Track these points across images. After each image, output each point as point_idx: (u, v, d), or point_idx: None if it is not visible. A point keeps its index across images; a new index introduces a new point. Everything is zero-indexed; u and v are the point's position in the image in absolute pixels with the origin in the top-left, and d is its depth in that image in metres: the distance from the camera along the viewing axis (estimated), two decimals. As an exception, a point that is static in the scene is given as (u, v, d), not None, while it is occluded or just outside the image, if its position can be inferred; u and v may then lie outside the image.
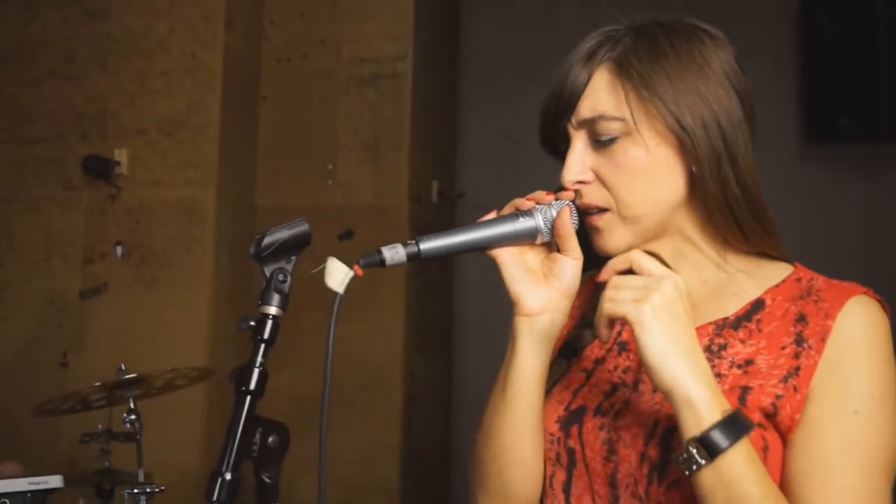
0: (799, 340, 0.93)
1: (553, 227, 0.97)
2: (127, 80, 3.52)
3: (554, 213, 0.97)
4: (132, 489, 2.22)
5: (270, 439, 0.93)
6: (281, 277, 0.92)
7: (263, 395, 0.90)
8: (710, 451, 0.82)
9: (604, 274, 0.94)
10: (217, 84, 3.46)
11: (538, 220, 0.97)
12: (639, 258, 0.90)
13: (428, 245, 0.93)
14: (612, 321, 0.89)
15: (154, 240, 3.45)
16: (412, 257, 0.92)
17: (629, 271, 0.92)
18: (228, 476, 0.86)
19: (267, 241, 0.91)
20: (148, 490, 2.21)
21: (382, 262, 0.91)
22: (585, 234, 0.99)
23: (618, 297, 0.88)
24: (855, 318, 0.92)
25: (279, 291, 0.92)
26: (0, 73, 3.64)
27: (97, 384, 2.32)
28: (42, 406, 2.40)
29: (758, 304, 0.98)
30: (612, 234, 0.98)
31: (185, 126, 3.46)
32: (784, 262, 1.01)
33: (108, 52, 3.57)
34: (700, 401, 0.83)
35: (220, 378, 3.14)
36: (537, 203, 0.98)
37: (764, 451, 0.88)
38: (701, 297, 1.00)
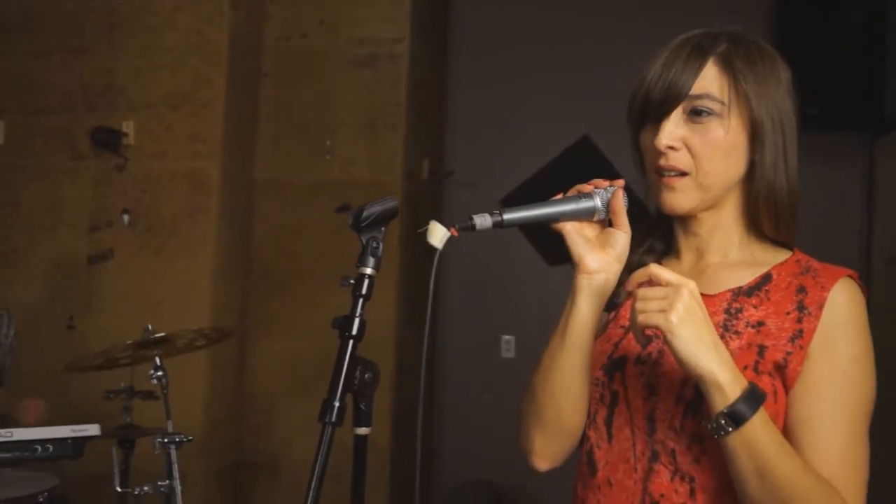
0: (801, 308, 1.14)
1: (608, 206, 1.17)
2: (134, 54, 3.64)
3: (609, 196, 1.18)
4: (163, 438, 2.40)
5: (367, 375, 1.12)
6: (374, 244, 1.11)
7: (363, 338, 1.09)
8: (737, 420, 1.01)
9: (629, 285, 1.10)
10: (223, 61, 3.60)
11: (596, 201, 1.17)
12: (656, 271, 1.06)
13: (510, 216, 1.11)
14: (645, 328, 1.06)
15: (160, 210, 3.59)
16: (497, 225, 1.10)
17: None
18: (337, 404, 1.05)
19: (365, 214, 1.10)
20: (177, 440, 2.39)
21: (473, 227, 1.08)
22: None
23: (647, 309, 1.04)
24: (844, 294, 1.13)
25: (374, 255, 1.11)
26: (8, 45, 3.74)
27: (128, 342, 2.49)
28: (74, 363, 2.56)
29: (766, 277, 1.19)
30: (685, 196, 1.17)
31: (191, 100, 3.60)
32: (787, 248, 1.24)
33: (114, 27, 3.68)
34: (726, 383, 1.01)
35: (222, 344, 3.30)
36: (596, 187, 1.18)
37: (774, 396, 1.09)
38: (721, 268, 1.22)
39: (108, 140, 3.55)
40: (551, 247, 4.45)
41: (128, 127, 3.59)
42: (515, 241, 4.23)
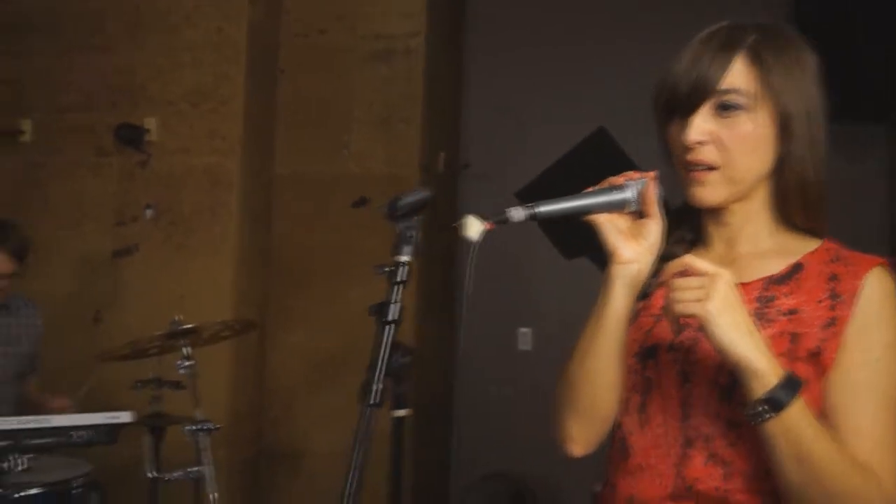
0: (833, 295, 1.15)
1: (640, 196, 1.19)
2: (155, 52, 3.71)
3: (641, 188, 1.19)
4: (193, 426, 2.46)
5: (404, 360, 1.17)
6: (410, 233, 1.16)
7: (401, 324, 1.15)
8: (775, 407, 1.03)
9: (665, 275, 1.11)
10: (242, 58, 3.66)
11: (628, 193, 1.19)
12: (693, 262, 1.08)
13: (543, 209, 1.15)
14: (682, 317, 1.08)
15: (182, 205, 3.66)
16: (530, 218, 1.14)
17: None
18: (379, 386, 1.11)
19: (400, 204, 1.15)
20: (206, 427, 2.46)
21: (508, 220, 1.11)
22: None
23: (684, 299, 1.06)
24: (877, 282, 1.15)
25: (410, 243, 1.16)
26: (31, 44, 3.81)
27: (158, 333, 2.56)
28: (104, 353, 2.64)
29: (797, 266, 1.21)
30: (714, 189, 1.19)
31: (211, 97, 3.66)
32: (817, 237, 1.24)
33: (136, 25, 3.74)
34: (763, 370, 1.04)
35: (244, 338, 3.37)
36: (627, 180, 1.20)
37: (808, 383, 1.09)
38: (753, 257, 1.23)
39: (131, 136, 3.62)
40: (568, 240, 4.51)
41: (150, 123, 3.65)
42: (532, 235, 4.27)
